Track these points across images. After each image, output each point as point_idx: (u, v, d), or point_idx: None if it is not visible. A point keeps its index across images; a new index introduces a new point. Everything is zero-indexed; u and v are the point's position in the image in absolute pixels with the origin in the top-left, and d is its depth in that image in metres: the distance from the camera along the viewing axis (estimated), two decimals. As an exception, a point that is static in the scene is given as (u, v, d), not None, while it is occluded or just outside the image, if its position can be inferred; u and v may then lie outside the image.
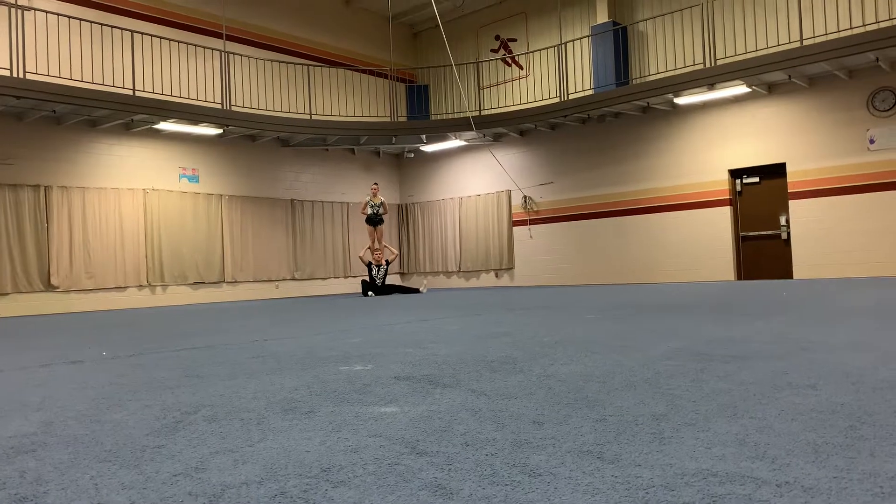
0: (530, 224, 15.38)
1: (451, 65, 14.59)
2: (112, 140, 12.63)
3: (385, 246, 14.17)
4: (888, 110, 10.95)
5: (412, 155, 17.32)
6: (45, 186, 11.77)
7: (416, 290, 14.01)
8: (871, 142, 11.09)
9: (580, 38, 14.50)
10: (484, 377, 2.89)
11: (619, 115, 13.79)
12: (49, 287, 11.72)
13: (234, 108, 13.35)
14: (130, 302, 12.66)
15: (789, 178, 11.92)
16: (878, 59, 10.57)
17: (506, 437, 1.87)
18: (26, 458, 1.86)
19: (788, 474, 1.46)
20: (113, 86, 11.85)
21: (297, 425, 2.13)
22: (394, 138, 15.38)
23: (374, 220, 13.79)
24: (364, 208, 13.88)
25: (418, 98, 17.09)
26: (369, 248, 13.93)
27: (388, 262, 13.98)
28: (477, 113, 15.19)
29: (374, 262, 13.77)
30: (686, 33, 13.15)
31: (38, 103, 10.82)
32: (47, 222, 11.76)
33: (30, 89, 10.38)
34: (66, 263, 11.91)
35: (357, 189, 16.70)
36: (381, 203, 13.85)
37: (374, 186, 14.07)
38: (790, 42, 11.44)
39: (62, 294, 11.87)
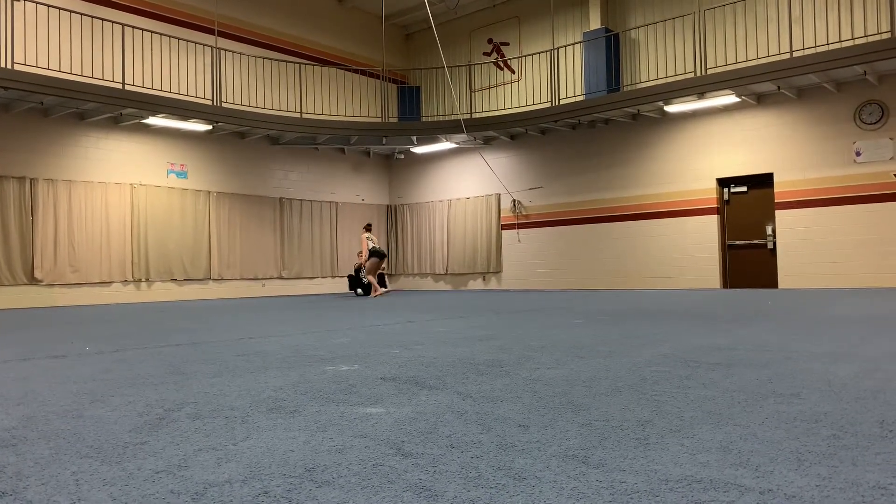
0: (519, 228, 15.41)
1: (444, 67, 14.60)
2: (100, 133, 12.53)
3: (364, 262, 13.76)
4: (875, 123, 11.07)
5: (402, 156, 17.31)
6: (31, 179, 11.65)
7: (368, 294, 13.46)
8: (858, 154, 11.21)
9: (572, 44, 14.57)
10: (470, 380, 2.89)
11: (609, 121, 13.85)
12: (32, 280, 11.60)
13: (224, 105, 13.29)
14: (115, 297, 12.56)
15: (776, 189, 12.02)
16: (865, 72, 10.68)
17: (491, 440, 1.87)
18: (6, 453, 1.84)
19: (771, 482, 1.47)
20: (102, 79, 11.76)
21: (282, 424, 2.11)
22: (384, 139, 15.37)
23: (381, 254, 13.09)
24: (367, 252, 13.15)
25: (409, 99, 17.08)
26: (363, 264, 13.32)
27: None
28: (468, 116, 15.21)
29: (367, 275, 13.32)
30: (677, 42, 13.24)
31: (26, 94, 10.72)
32: (32, 215, 11.64)
33: (18, 80, 10.28)
34: (51, 257, 11.80)
35: (346, 189, 16.68)
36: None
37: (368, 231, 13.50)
38: (780, 53, 11.56)
39: (45, 288, 11.75)
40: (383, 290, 13.25)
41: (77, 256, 12.08)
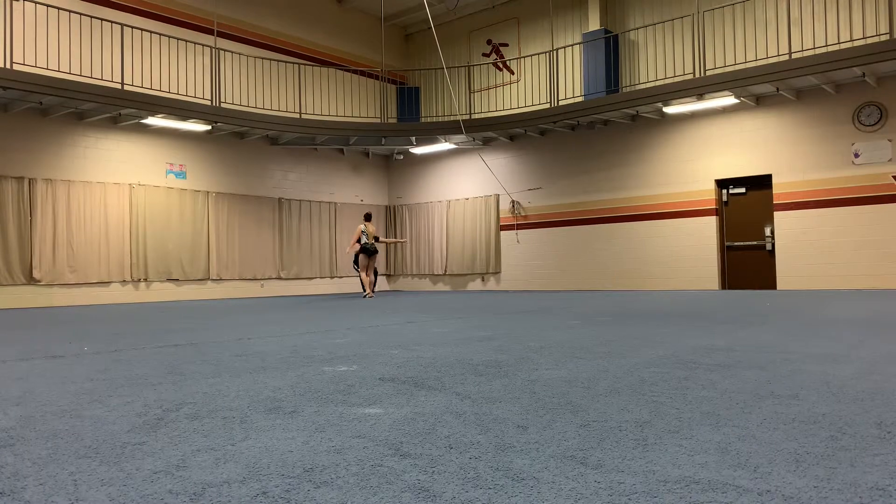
0: (518, 229, 15.41)
1: (443, 67, 14.60)
2: (99, 133, 12.52)
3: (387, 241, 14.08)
4: (873, 125, 11.08)
5: (401, 157, 17.31)
6: (30, 179, 11.64)
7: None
8: (856, 156, 11.22)
9: (572, 45, 14.57)
10: (469, 380, 2.89)
11: (608, 122, 13.86)
12: (31, 280, 11.59)
13: (223, 105, 13.28)
14: (113, 297, 12.55)
15: (775, 190, 12.03)
16: (864, 74, 10.69)
17: (489, 441, 1.87)
18: (4, 453, 1.83)
19: (769, 483, 1.47)
20: (101, 79, 11.75)
21: (281, 425, 2.11)
22: (383, 139, 15.37)
23: (369, 250, 13.13)
24: (355, 240, 13.08)
25: (409, 100, 17.08)
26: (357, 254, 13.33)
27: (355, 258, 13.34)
28: (467, 116, 15.21)
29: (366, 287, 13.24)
30: (676, 43, 13.25)
31: (25, 94, 10.71)
32: (31, 215, 11.63)
33: (16, 80, 10.27)
34: (49, 257, 11.78)
35: (345, 189, 16.67)
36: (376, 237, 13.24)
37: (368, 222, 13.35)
38: (779, 55, 11.57)
39: (44, 288, 11.74)
40: (367, 292, 13.08)
41: (75, 256, 12.07)
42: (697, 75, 12.13)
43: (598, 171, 14.18)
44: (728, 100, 11.99)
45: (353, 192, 16.90)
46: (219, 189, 14.23)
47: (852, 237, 11.19)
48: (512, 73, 16.19)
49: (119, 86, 11.71)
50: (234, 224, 14.38)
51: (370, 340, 4.65)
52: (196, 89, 13.39)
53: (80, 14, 11.63)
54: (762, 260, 12.33)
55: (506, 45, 16.36)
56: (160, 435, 2.01)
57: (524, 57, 15.53)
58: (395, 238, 14.31)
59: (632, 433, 1.93)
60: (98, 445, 1.90)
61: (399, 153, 17.05)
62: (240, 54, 14.03)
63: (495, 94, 16.39)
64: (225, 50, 13.66)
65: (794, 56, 11.15)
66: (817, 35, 11.58)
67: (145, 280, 12.97)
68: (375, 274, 13.67)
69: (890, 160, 10.95)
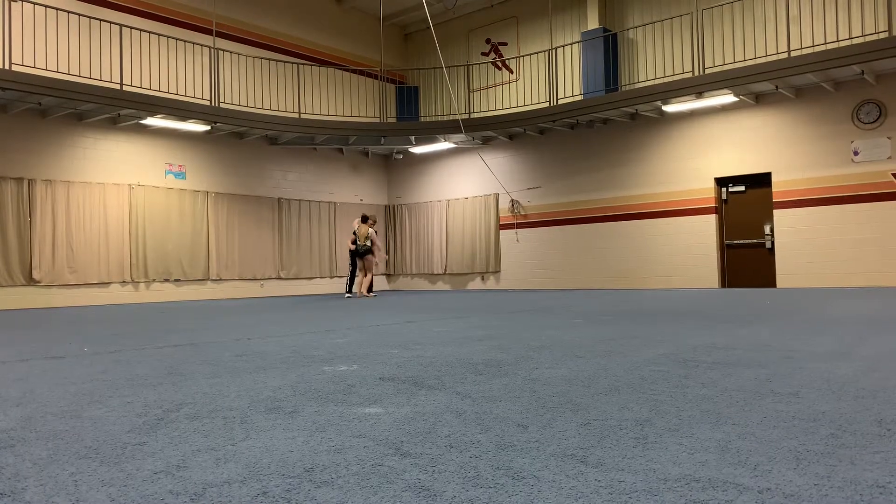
0: (517, 228, 15.41)
1: (442, 67, 14.60)
2: (98, 134, 12.51)
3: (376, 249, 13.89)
4: (873, 122, 11.08)
5: (401, 156, 17.31)
6: (29, 179, 11.63)
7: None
8: (856, 153, 11.22)
9: (571, 44, 14.57)
10: (469, 379, 2.89)
11: (607, 121, 13.85)
12: (31, 281, 11.58)
13: (222, 105, 13.27)
14: (113, 298, 12.54)
15: (774, 188, 12.03)
16: (863, 71, 10.69)
17: (490, 440, 1.87)
18: (4, 454, 1.83)
19: (770, 481, 1.47)
20: (100, 80, 11.75)
21: (281, 425, 2.11)
22: (382, 139, 15.36)
23: (361, 253, 13.13)
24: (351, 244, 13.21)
25: (408, 99, 17.08)
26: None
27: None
28: (466, 116, 15.20)
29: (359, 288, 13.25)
30: (675, 41, 13.25)
31: (24, 95, 10.70)
32: (30, 216, 11.63)
33: (15, 81, 10.26)
34: (49, 258, 11.78)
35: (345, 189, 16.67)
36: (368, 237, 13.13)
37: (367, 223, 13.29)
38: (778, 53, 11.57)
39: (44, 289, 11.74)
40: (350, 293, 13.14)
41: (75, 257, 12.07)
42: (696, 73, 12.13)
43: (597, 169, 14.18)
44: (727, 98, 11.99)
45: (352, 191, 16.90)
46: (218, 189, 14.22)
47: (852, 235, 11.19)
48: (511, 72, 16.18)
49: (118, 86, 11.70)
50: (233, 224, 14.38)
51: (370, 340, 4.65)
52: (195, 89, 13.38)
53: (79, 15, 11.62)
54: (762, 258, 12.34)
55: (505, 44, 16.35)
56: (160, 435, 2.01)
57: (523, 56, 15.52)
58: (380, 250, 13.90)
59: (632, 432, 1.93)
60: (98, 446, 1.90)
61: (398, 153, 17.04)
62: (239, 54, 14.02)
63: (494, 93, 16.39)
64: (224, 50, 13.66)
65: (793, 54, 11.15)
66: (816, 33, 11.58)
67: (145, 281, 12.95)
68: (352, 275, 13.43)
69: (889, 158, 10.95)
